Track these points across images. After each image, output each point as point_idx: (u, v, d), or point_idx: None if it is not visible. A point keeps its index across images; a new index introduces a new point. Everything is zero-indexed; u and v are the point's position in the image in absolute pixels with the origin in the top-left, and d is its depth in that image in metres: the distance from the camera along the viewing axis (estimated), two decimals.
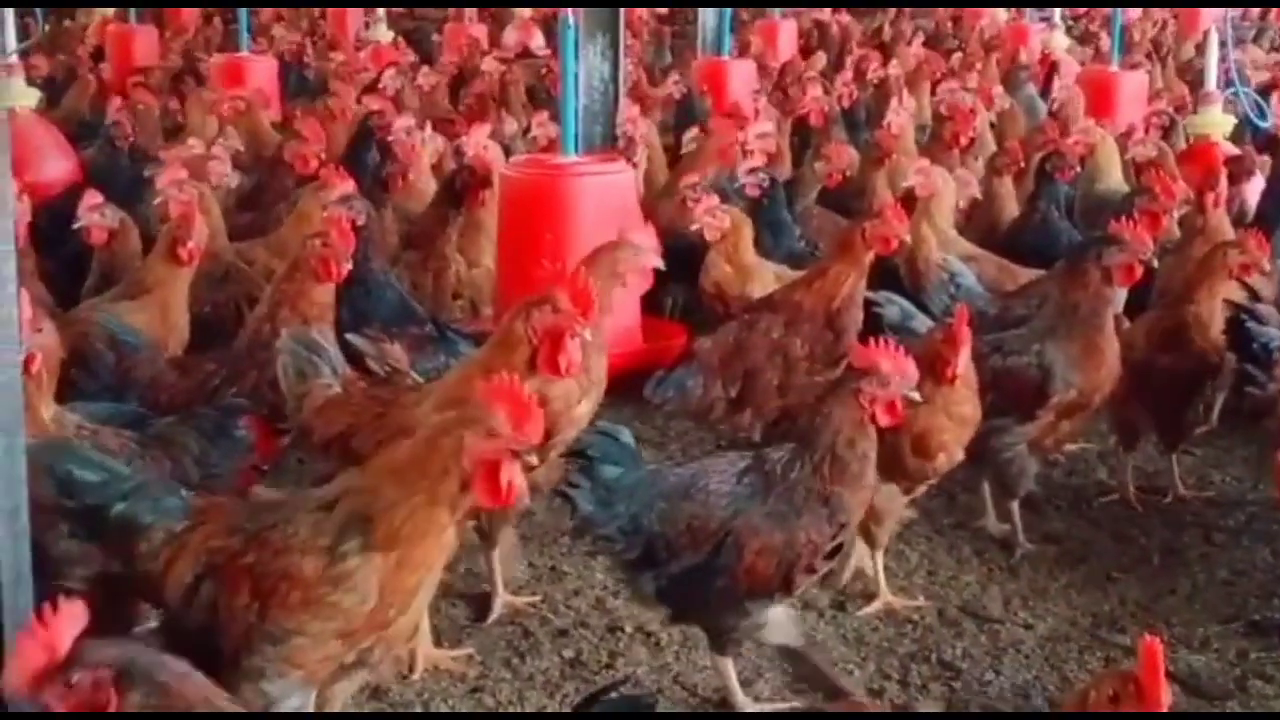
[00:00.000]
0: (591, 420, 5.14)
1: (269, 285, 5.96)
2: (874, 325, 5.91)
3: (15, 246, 3.67)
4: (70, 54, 15.51)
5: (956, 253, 7.39)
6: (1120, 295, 6.24)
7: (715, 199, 7.58)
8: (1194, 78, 14.43)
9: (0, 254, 3.54)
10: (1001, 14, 18.84)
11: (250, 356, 5.70)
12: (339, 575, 3.67)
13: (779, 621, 4.67)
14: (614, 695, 3.37)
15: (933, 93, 11.95)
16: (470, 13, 18.60)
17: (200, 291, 6.53)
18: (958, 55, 15.19)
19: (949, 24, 19.20)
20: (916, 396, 4.57)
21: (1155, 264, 6.06)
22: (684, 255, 7.19)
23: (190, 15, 18.79)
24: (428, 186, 8.63)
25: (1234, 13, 15.22)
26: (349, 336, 5.34)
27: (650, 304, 7.58)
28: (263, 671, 3.76)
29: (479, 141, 8.74)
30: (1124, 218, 6.29)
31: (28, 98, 10.23)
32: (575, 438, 4.91)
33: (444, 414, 4.09)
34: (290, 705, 3.80)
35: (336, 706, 3.98)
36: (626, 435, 4.69)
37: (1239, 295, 6.47)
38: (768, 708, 4.78)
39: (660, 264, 5.67)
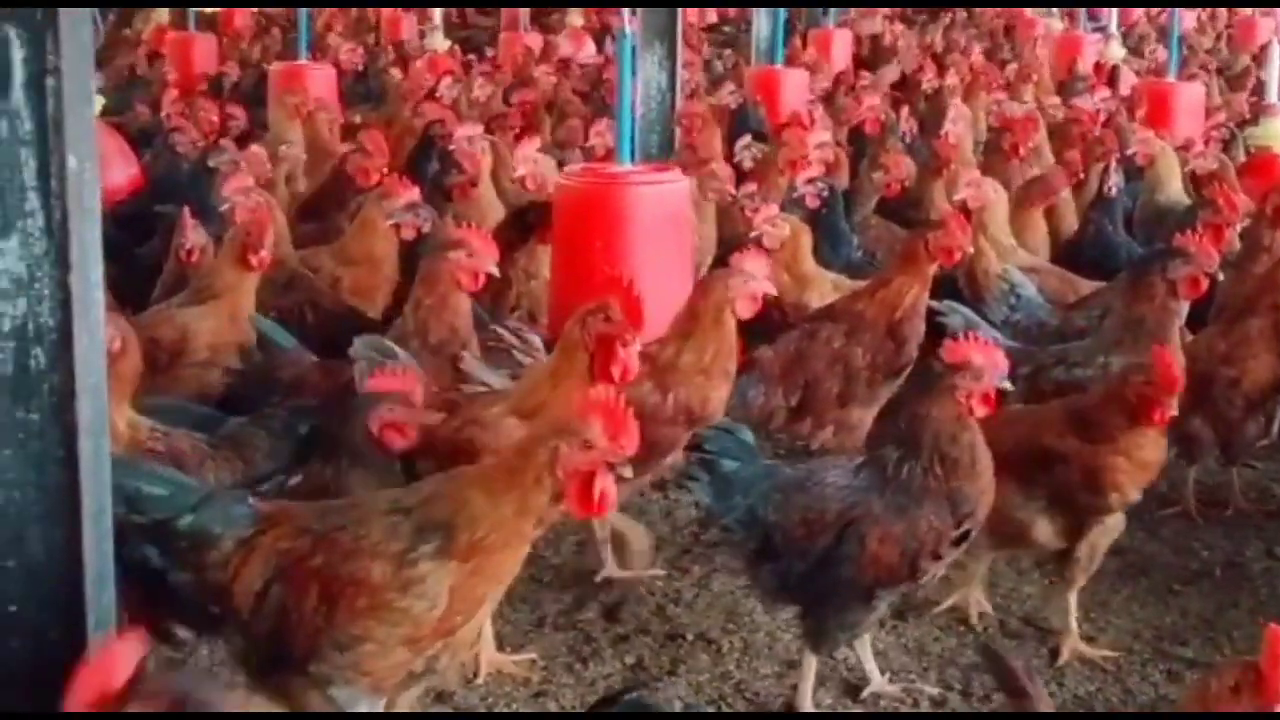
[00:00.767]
0: None
1: (407, 303, 5.88)
2: (937, 333, 5.91)
3: (101, 254, 3.70)
4: (128, 60, 15.63)
5: (1016, 263, 7.38)
6: (1183, 308, 6.22)
7: (774, 208, 7.60)
8: (1252, 89, 14.37)
9: (89, 261, 3.58)
10: (1057, 24, 18.77)
11: None
12: (408, 580, 3.67)
13: None
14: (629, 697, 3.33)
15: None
16: (524, 21, 18.68)
17: (265, 297, 6.57)
18: (1013, 66, 15.13)
19: (1002, 34, 19.14)
20: (1009, 386, 4.62)
21: (1219, 277, 6.04)
22: None
23: (245, 22, 18.91)
24: (487, 193, 8.68)
25: None
26: (494, 327, 5.45)
27: None
28: (330, 679, 3.77)
29: (529, 157, 8.74)
30: (1187, 230, 6.28)
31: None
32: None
33: (534, 425, 4.14)
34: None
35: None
36: (745, 431, 4.84)
37: None
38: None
39: (773, 290, 5.68)
